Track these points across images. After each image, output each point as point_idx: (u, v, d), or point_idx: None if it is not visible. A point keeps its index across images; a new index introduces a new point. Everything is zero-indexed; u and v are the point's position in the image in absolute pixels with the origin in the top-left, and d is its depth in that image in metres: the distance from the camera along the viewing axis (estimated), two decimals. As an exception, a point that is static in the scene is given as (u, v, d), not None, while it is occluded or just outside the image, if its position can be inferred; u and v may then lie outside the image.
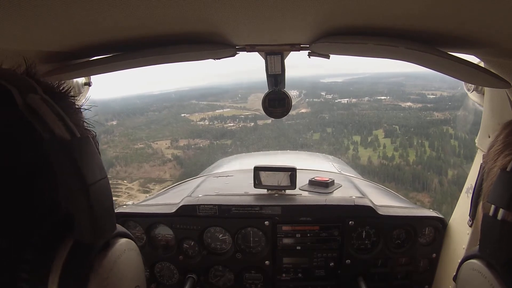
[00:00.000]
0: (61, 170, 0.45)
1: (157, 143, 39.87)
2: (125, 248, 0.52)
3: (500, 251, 0.59)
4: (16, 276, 0.43)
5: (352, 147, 40.09)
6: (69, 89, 0.57)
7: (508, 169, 0.59)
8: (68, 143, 0.45)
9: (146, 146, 39.09)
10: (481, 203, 0.76)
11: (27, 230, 0.44)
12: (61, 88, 0.56)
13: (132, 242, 0.55)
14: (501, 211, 0.59)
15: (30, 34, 0.78)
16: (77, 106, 0.57)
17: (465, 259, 0.68)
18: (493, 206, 0.60)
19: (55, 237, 0.46)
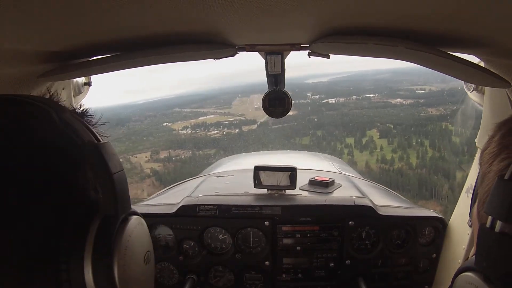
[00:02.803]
0: (92, 164, 0.61)
1: (136, 156, 36.89)
2: (138, 222, 0.67)
3: (498, 265, 0.56)
4: (59, 244, 0.56)
5: (346, 151, 36.90)
6: (87, 109, 0.73)
7: (506, 177, 0.56)
8: (97, 145, 0.61)
9: (124, 160, 35.76)
10: (475, 209, 0.73)
11: (69, 207, 0.59)
12: (81, 108, 0.72)
13: (142, 218, 0.69)
14: (498, 223, 0.55)
15: (30, 34, 0.78)
16: (94, 122, 0.72)
17: (461, 271, 0.65)
18: (490, 217, 0.57)
19: (88, 214, 0.60)
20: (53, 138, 0.60)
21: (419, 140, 34.76)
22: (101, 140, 0.64)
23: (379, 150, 35.59)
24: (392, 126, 38.09)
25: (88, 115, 0.72)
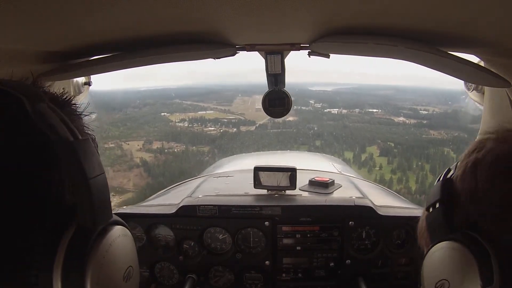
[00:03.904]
0: (66, 166, 0.53)
1: (128, 144, 34.38)
2: (119, 234, 0.59)
3: (444, 227, 0.72)
4: (27, 255, 0.51)
5: None
6: (71, 98, 0.65)
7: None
8: (72, 143, 0.53)
9: (116, 146, 33.31)
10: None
11: (37, 217, 0.53)
12: (64, 96, 0.64)
13: (126, 229, 0.62)
14: (437, 204, 0.74)
15: (30, 34, 0.78)
16: (78, 113, 0.65)
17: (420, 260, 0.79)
18: (431, 207, 0.76)
19: (60, 223, 0.54)
20: (23, 131, 0.53)
21: (420, 163, 32.54)
22: (79, 136, 0.55)
23: (378, 168, 33.11)
24: (393, 144, 36.28)
25: (72, 105, 0.64)
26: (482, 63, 1.15)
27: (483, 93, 1.36)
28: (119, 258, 0.59)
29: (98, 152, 0.66)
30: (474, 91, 1.40)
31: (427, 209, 0.78)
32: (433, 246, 0.74)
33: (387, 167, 33.89)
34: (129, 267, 0.62)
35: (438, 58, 0.94)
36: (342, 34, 0.96)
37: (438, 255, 0.72)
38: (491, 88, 1.30)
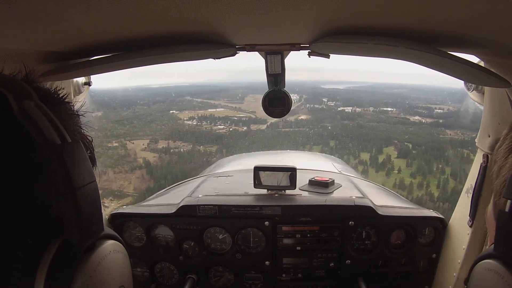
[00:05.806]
0: (51, 173, 0.47)
1: (133, 143, 32.68)
2: (111, 250, 0.54)
3: None
4: (7, 271, 0.45)
5: (361, 168, 30.77)
6: (66, 95, 0.59)
7: None
8: (59, 147, 0.48)
9: (120, 145, 31.44)
10: (491, 201, 0.72)
11: (19, 228, 0.47)
12: (57, 93, 0.58)
13: (119, 244, 0.57)
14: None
15: (30, 34, 0.78)
16: (72, 112, 0.59)
17: (479, 259, 0.63)
18: (509, 202, 0.55)
19: (45, 236, 0.48)
20: (5, 131, 0.47)
21: (440, 166, 29.98)
22: (68, 139, 0.49)
23: (396, 172, 30.81)
24: (410, 146, 33.57)
25: (65, 103, 0.57)
26: (482, 63, 1.15)
27: (483, 93, 1.36)
28: (109, 277, 0.52)
29: (94, 155, 0.61)
30: (474, 91, 1.40)
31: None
32: (482, 259, 0.64)
33: (406, 170, 31.46)
34: (121, 286, 0.55)
35: (438, 58, 0.93)
36: (342, 34, 0.96)
37: (483, 277, 0.62)
38: (491, 88, 1.30)
